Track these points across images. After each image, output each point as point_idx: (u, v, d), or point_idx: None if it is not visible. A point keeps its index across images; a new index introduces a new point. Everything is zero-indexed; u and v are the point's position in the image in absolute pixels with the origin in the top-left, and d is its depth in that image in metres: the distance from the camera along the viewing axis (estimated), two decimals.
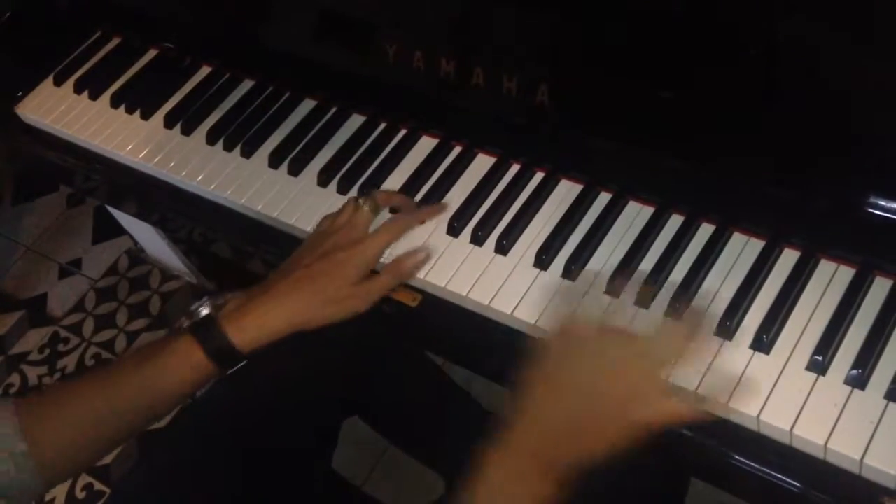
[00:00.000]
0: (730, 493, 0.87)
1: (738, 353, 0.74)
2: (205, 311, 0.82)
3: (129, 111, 1.12)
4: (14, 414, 0.75)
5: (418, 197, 0.93)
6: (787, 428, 0.69)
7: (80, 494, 1.65)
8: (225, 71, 1.13)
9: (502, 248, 0.87)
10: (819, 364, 0.72)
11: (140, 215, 1.27)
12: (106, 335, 1.89)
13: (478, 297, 0.84)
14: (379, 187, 0.95)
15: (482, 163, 0.95)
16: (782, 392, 0.71)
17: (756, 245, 0.81)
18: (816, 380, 0.72)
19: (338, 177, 0.97)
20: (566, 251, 0.85)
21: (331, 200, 0.95)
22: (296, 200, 0.97)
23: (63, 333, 1.92)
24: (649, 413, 0.65)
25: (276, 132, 1.04)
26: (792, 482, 0.71)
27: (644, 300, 0.78)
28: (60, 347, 1.89)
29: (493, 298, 0.83)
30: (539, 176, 0.92)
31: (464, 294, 0.84)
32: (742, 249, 0.81)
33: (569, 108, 0.89)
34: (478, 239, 0.88)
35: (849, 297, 0.75)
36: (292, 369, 1.02)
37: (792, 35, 0.77)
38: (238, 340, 0.79)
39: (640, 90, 0.85)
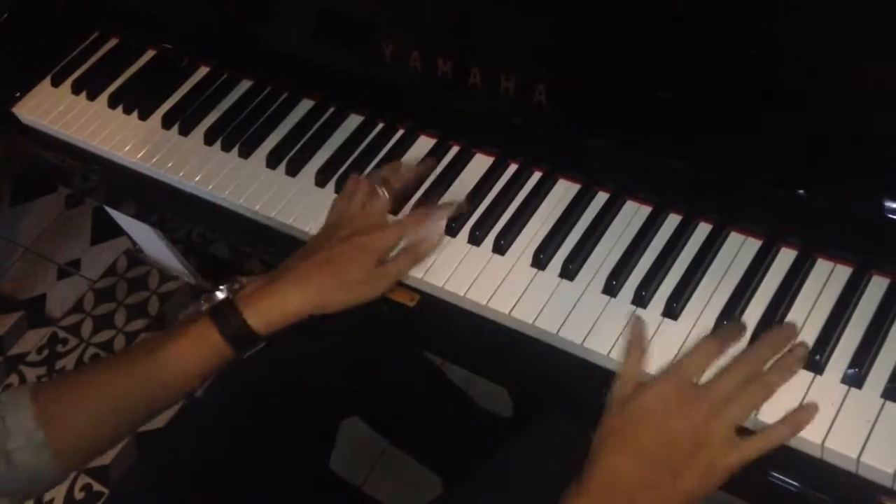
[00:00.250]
0: (728, 493, 0.87)
1: (734, 353, 0.74)
2: (222, 296, 0.82)
3: (127, 111, 1.12)
4: (31, 401, 0.74)
5: (416, 196, 0.93)
6: None
7: (78, 495, 1.65)
8: (223, 71, 1.13)
9: (500, 247, 0.87)
10: (816, 363, 0.72)
11: (138, 216, 1.27)
12: (105, 336, 1.89)
13: (475, 296, 0.84)
14: None
15: (480, 163, 0.95)
16: (779, 391, 0.71)
17: (753, 244, 0.81)
18: (813, 379, 0.72)
19: (335, 177, 0.97)
20: (564, 251, 0.85)
21: (329, 200, 0.95)
22: (293, 200, 0.97)
23: (62, 334, 1.92)
24: (733, 456, 0.65)
25: (273, 132, 1.04)
26: (789, 481, 0.71)
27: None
28: (59, 348, 1.89)
29: (490, 298, 0.83)
30: (537, 176, 0.92)
31: (461, 294, 0.84)
32: (739, 249, 0.81)
33: (566, 108, 0.89)
34: (475, 239, 0.88)
35: (846, 296, 0.75)
36: (291, 370, 1.02)
37: (789, 35, 0.77)
38: (255, 322, 0.78)
39: (638, 90, 0.85)
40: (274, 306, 0.79)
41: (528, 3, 0.89)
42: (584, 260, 0.84)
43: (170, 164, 1.04)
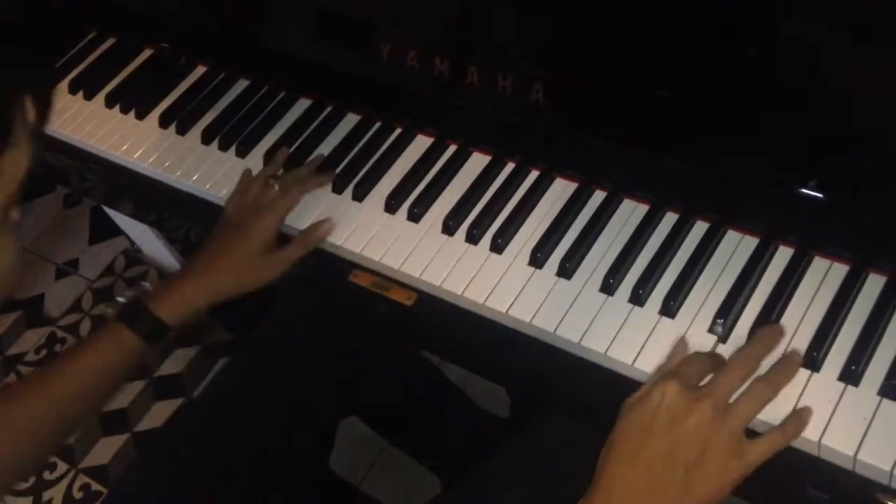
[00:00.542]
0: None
1: (733, 351, 0.74)
2: (124, 300, 0.88)
3: (124, 111, 1.12)
4: None
5: (414, 196, 0.93)
6: None
7: (77, 495, 1.65)
8: (220, 70, 1.13)
9: (497, 246, 0.87)
10: (813, 361, 0.72)
11: (136, 215, 1.27)
12: None
13: (473, 295, 0.84)
14: (374, 186, 0.95)
15: (477, 161, 0.95)
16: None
17: (750, 243, 0.81)
18: (810, 376, 0.72)
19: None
20: (561, 249, 0.85)
21: (326, 200, 0.95)
22: None
23: (60, 334, 1.91)
24: (745, 459, 0.64)
25: (271, 132, 1.04)
26: (787, 479, 0.71)
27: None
28: (57, 348, 1.89)
29: (488, 297, 0.83)
30: (534, 174, 0.92)
31: (459, 293, 0.84)
32: (736, 247, 0.82)
33: (563, 107, 0.89)
34: (473, 237, 0.88)
35: (842, 294, 0.76)
36: (289, 370, 1.02)
37: (787, 34, 0.77)
38: (165, 315, 0.86)
39: (635, 89, 0.85)
40: (179, 299, 0.87)
41: (525, 2, 0.89)
42: (582, 258, 0.84)
43: (167, 164, 1.04)
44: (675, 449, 0.63)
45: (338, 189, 0.96)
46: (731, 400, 0.65)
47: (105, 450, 1.69)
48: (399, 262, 0.88)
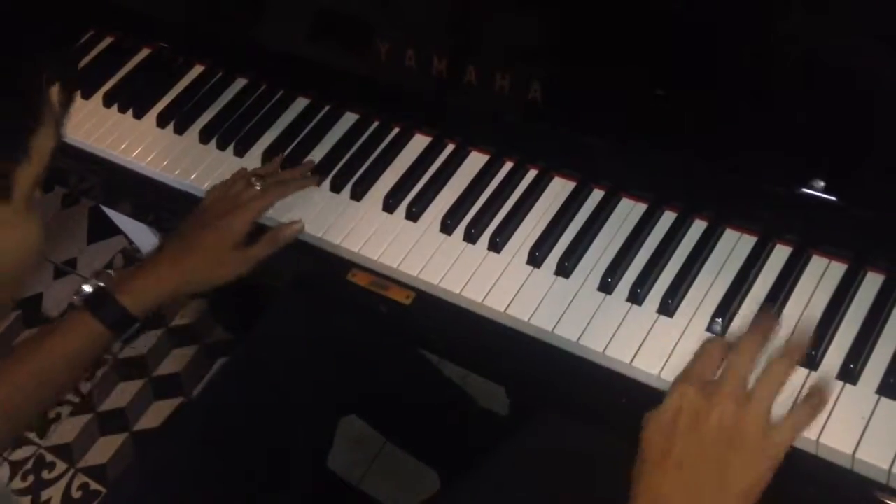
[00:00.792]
0: None
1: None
2: (89, 289, 0.88)
3: (122, 110, 1.12)
4: None
5: (412, 195, 0.93)
6: None
7: (75, 494, 1.65)
8: (217, 70, 1.13)
9: (495, 245, 0.87)
10: (812, 359, 0.72)
11: (135, 215, 1.27)
12: None
13: (471, 294, 0.84)
14: (372, 185, 0.95)
15: (475, 160, 0.95)
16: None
17: (748, 241, 0.81)
18: (808, 375, 0.72)
19: (331, 175, 0.97)
20: (559, 248, 0.85)
21: (324, 198, 0.95)
22: (288, 198, 0.96)
23: None
24: (776, 443, 0.63)
25: (268, 131, 1.04)
26: (784, 477, 0.71)
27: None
28: None
29: (486, 296, 0.83)
30: (532, 173, 0.92)
31: (457, 292, 0.84)
32: (734, 246, 0.82)
33: (561, 106, 0.89)
34: (471, 236, 0.88)
35: (840, 292, 0.76)
36: (287, 369, 1.02)
37: (786, 33, 0.77)
38: (130, 305, 0.86)
39: (633, 87, 0.85)
40: (146, 289, 0.87)
41: (522, 1, 0.89)
42: (580, 257, 0.84)
43: (165, 163, 1.04)
44: (703, 446, 0.62)
45: (336, 188, 0.96)
46: (750, 385, 0.64)
47: (103, 449, 1.69)
48: (397, 262, 0.88)
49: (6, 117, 0.49)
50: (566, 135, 0.91)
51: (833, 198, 0.77)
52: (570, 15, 0.87)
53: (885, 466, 0.66)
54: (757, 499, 0.62)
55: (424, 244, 0.89)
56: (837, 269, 0.77)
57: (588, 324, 0.79)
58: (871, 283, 0.76)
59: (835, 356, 0.72)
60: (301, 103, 1.06)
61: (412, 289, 0.87)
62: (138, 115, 1.11)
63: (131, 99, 1.12)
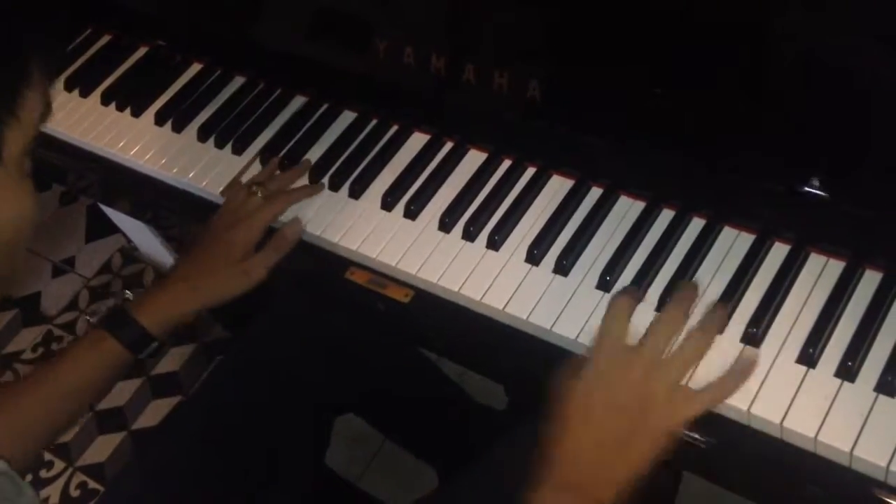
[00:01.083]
0: (722, 487, 0.87)
1: (729, 347, 0.74)
2: (108, 306, 0.87)
3: (120, 108, 1.12)
4: None
5: (410, 193, 0.93)
6: (778, 421, 0.70)
7: (74, 493, 1.65)
8: (215, 68, 1.12)
9: (494, 243, 0.87)
10: (809, 357, 0.72)
11: (133, 213, 1.27)
12: None
13: (469, 292, 0.84)
14: (370, 184, 0.95)
15: (473, 158, 0.95)
16: (773, 385, 0.72)
17: (747, 239, 0.81)
18: (807, 372, 0.72)
19: (329, 174, 0.97)
20: (558, 246, 0.85)
21: (323, 197, 0.95)
22: None
23: (56, 332, 1.91)
24: (679, 413, 0.67)
25: (267, 129, 1.04)
26: (783, 475, 0.71)
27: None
28: (54, 346, 1.89)
29: (484, 294, 0.83)
30: (530, 171, 0.92)
31: (455, 290, 0.84)
32: (733, 243, 0.82)
33: (560, 104, 0.89)
34: (469, 234, 0.88)
35: (839, 289, 0.76)
36: (285, 367, 1.02)
37: (784, 32, 0.77)
38: (149, 325, 0.87)
39: (632, 85, 0.85)
40: (162, 308, 0.88)
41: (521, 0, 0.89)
42: (578, 255, 0.84)
43: (163, 161, 1.04)
44: (616, 408, 0.67)
45: (334, 186, 0.96)
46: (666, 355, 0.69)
47: (102, 448, 1.69)
48: (395, 260, 0.88)
49: None
50: (564, 133, 0.91)
51: (831, 196, 0.77)
52: (569, 13, 0.86)
53: (883, 464, 0.66)
54: (651, 461, 0.67)
55: (423, 242, 0.89)
56: (835, 267, 0.77)
57: (586, 322, 0.79)
58: (869, 281, 0.76)
59: (833, 354, 0.72)
60: (299, 101, 1.06)
61: (410, 287, 0.87)
62: (136, 114, 1.10)
63: (129, 97, 1.12)
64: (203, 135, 1.05)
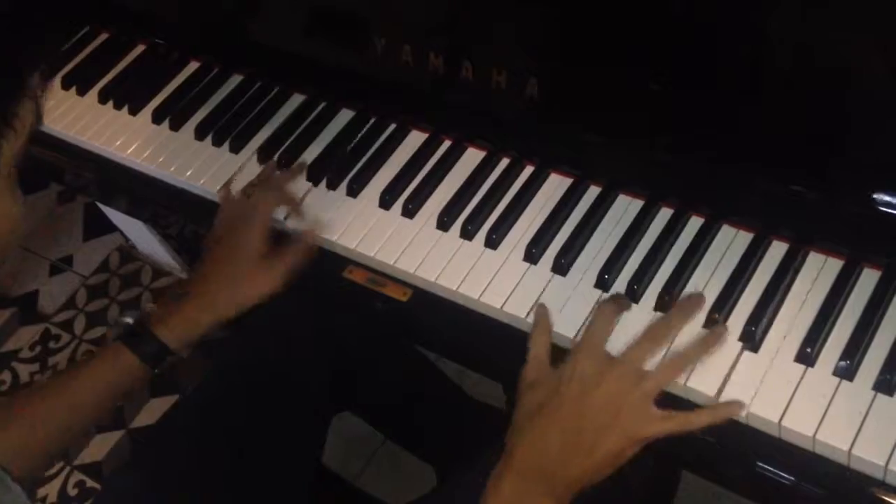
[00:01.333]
0: (721, 486, 0.87)
1: (726, 345, 0.74)
2: (128, 321, 0.88)
3: (118, 107, 1.12)
4: None
5: (408, 192, 0.93)
6: (777, 420, 0.70)
7: (71, 491, 1.65)
8: (213, 66, 1.12)
9: (492, 242, 0.87)
10: (808, 355, 0.72)
11: (130, 212, 1.26)
12: (97, 332, 1.88)
13: (468, 291, 0.84)
14: (368, 182, 0.95)
15: (472, 157, 0.95)
16: (771, 384, 0.71)
17: (745, 237, 0.81)
18: (805, 371, 0.72)
19: (327, 172, 0.97)
20: (556, 245, 0.85)
21: (320, 195, 0.95)
22: None
23: (54, 330, 1.91)
24: (646, 429, 0.66)
25: (264, 127, 1.03)
26: (782, 474, 0.71)
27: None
28: (52, 345, 1.89)
29: (483, 293, 0.83)
30: (529, 170, 0.92)
31: (453, 288, 0.84)
32: (731, 242, 0.81)
33: (558, 102, 0.89)
34: (468, 233, 0.88)
35: (837, 288, 0.76)
36: (283, 365, 1.02)
37: (783, 31, 0.77)
38: (170, 341, 0.87)
39: (630, 84, 0.85)
40: (182, 321, 0.87)
41: None
42: (577, 254, 0.84)
43: (161, 160, 1.04)
44: (587, 416, 0.66)
45: (332, 185, 0.96)
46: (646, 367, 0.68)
47: (100, 447, 1.69)
48: (394, 258, 0.88)
49: None
50: (562, 131, 0.91)
51: (829, 194, 0.77)
52: (567, 11, 0.86)
53: (882, 463, 0.66)
54: (614, 467, 0.67)
55: (421, 241, 0.89)
56: (834, 265, 0.77)
57: (585, 321, 0.79)
58: (868, 279, 0.76)
59: (831, 352, 0.72)
60: (297, 100, 1.06)
61: (409, 285, 0.87)
62: (134, 112, 1.10)
63: (127, 95, 1.12)
64: (200, 133, 1.05)
